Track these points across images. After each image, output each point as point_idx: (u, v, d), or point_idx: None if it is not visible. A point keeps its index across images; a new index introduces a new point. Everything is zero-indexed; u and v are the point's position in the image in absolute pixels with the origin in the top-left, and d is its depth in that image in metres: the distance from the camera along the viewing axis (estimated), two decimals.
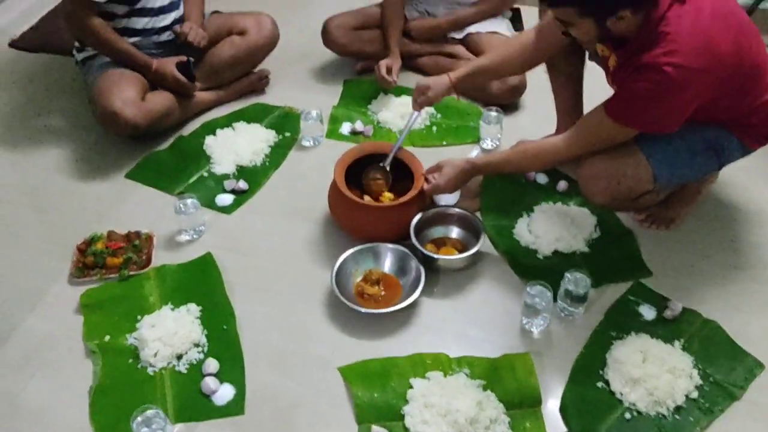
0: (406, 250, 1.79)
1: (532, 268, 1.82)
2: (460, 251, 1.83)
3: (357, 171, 1.93)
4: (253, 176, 2.15)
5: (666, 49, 1.47)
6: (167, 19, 2.25)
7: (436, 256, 1.79)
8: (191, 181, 2.13)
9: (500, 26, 2.51)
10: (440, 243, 1.88)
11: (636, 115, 1.58)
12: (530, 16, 2.62)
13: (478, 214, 1.93)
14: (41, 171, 2.19)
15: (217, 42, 2.34)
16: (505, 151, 1.84)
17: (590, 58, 1.84)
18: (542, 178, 2.11)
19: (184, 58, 2.22)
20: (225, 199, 2.07)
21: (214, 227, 1.98)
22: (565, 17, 1.53)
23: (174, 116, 2.26)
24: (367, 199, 1.92)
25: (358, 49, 2.54)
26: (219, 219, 2.01)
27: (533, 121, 2.31)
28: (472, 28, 2.51)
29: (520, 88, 2.35)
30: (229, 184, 2.10)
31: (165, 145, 2.26)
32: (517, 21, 2.63)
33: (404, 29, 2.52)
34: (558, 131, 2.14)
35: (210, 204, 2.05)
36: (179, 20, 2.29)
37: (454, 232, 1.90)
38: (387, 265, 1.81)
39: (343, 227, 1.89)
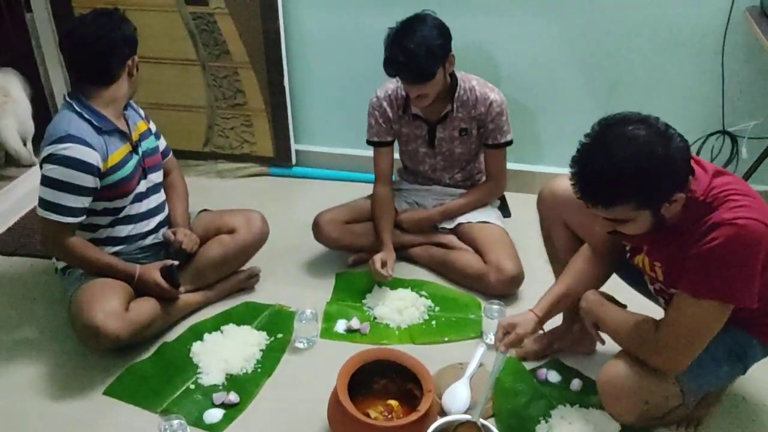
0: None
1: None
2: None
3: (358, 379, 1.79)
4: (245, 387, 1.98)
5: (733, 206, 1.43)
6: (152, 224, 2.20)
7: None
8: (176, 395, 1.95)
9: (490, 215, 2.51)
10: None
11: (720, 281, 1.45)
12: (516, 202, 2.66)
13: (491, 421, 1.77)
14: (12, 391, 1.99)
15: (205, 241, 2.28)
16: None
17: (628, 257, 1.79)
18: (554, 377, 1.99)
19: (169, 262, 2.14)
20: (214, 414, 1.88)
21: None
22: (622, 215, 1.46)
23: (158, 324, 2.12)
24: (374, 414, 1.77)
25: (350, 242, 2.50)
26: None
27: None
28: (463, 218, 2.51)
29: (518, 279, 2.30)
30: (218, 397, 1.93)
31: (148, 354, 2.10)
32: (503, 208, 2.64)
33: (395, 221, 2.51)
34: (565, 331, 2.06)
35: (197, 422, 1.86)
36: (164, 222, 2.24)
37: None
38: None
39: None
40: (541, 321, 1.77)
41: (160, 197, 2.23)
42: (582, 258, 1.81)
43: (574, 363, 2.05)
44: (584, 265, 1.79)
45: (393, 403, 1.81)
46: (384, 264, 2.29)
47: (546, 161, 3.03)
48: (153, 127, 2.26)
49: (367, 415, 1.76)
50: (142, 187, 2.14)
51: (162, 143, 2.30)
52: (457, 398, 1.86)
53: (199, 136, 3.25)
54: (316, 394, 1.90)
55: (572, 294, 1.80)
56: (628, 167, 1.38)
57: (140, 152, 2.12)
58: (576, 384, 1.94)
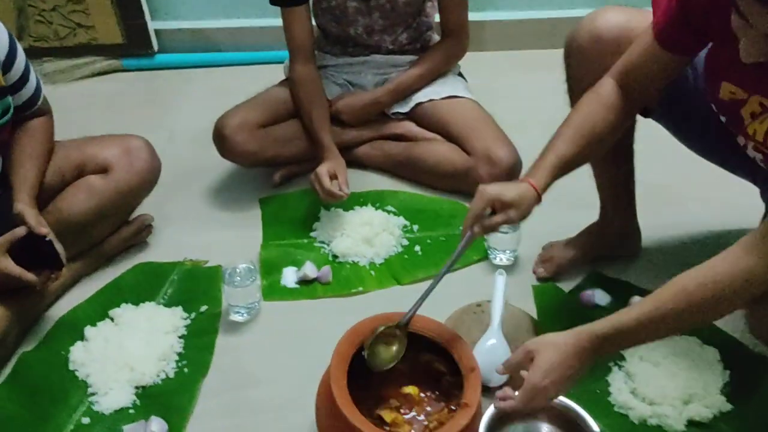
0: None
1: None
2: None
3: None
4: (170, 404, 1.28)
5: None
6: None
7: None
8: None
9: (457, 87, 1.85)
10: None
11: None
12: (474, 64, 1.99)
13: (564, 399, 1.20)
14: None
15: (61, 189, 1.47)
16: (642, 303, 1.03)
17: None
18: (602, 297, 1.45)
19: (20, 232, 1.31)
20: None
21: None
22: None
23: (11, 337, 1.35)
24: (390, 417, 1.15)
25: (274, 153, 1.76)
26: None
27: (550, 218, 1.62)
28: (422, 96, 1.83)
29: (515, 170, 1.69)
30: (132, 430, 1.22)
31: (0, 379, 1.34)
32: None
33: (330, 113, 1.79)
34: (603, 227, 1.51)
35: None
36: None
37: (544, 427, 1.17)
38: None
39: None
40: (540, 201, 1.18)
41: None
42: (596, 104, 1.19)
43: (619, 272, 1.52)
44: (600, 114, 1.19)
45: (411, 391, 1.20)
46: (334, 177, 1.60)
47: (499, 5, 2.35)
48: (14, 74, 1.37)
49: (381, 421, 1.15)
50: None
51: (26, 93, 1.41)
52: (495, 360, 1.26)
53: (6, 27, 2.27)
54: (285, 392, 1.29)
55: (580, 156, 1.20)
56: None
57: None
58: (637, 302, 1.41)
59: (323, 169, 1.59)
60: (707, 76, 1.16)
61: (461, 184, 1.72)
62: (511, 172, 1.68)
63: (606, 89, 1.19)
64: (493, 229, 1.15)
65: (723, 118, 1.17)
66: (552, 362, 1.01)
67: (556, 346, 1.02)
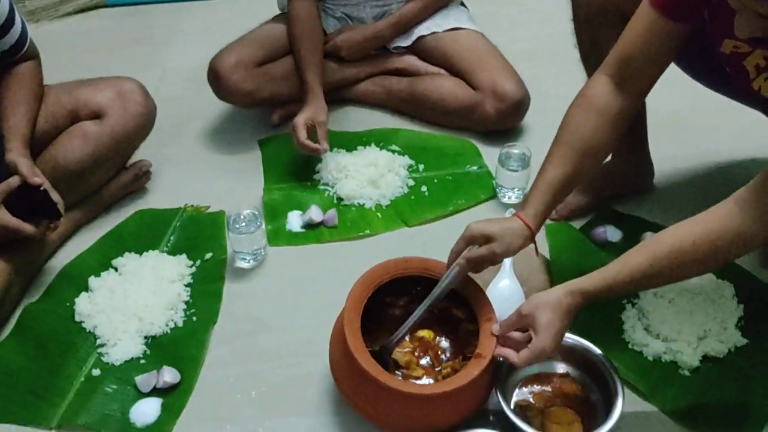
0: None
1: (684, 399, 1.14)
2: (575, 396, 1.11)
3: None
4: (181, 353, 1.27)
5: None
6: None
7: None
8: (73, 392, 1.21)
9: (460, 18, 1.77)
10: (541, 380, 1.15)
11: None
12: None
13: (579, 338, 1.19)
14: None
15: (55, 136, 1.41)
16: (634, 259, 1.01)
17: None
18: (614, 234, 1.43)
19: (14, 181, 1.26)
20: (146, 410, 1.17)
21: None
22: None
23: (13, 290, 1.32)
24: (404, 360, 1.14)
25: (272, 92, 1.69)
26: None
27: None
28: (423, 28, 1.75)
29: (523, 105, 1.64)
30: (144, 380, 1.21)
31: (5, 333, 1.31)
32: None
33: (328, 49, 1.72)
34: (617, 167, 1.47)
35: (123, 429, 1.15)
36: None
37: (559, 367, 1.17)
38: None
39: (364, 415, 1.10)
40: (534, 234, 1.12)
41: None
42: (589, 108, 1.12)
43: (631, 208, 1.49)
44: (594, 122, 1.11)
45: (426, 334, 1.18)
46: (312, 127, 1.54)
47: None
48: None
49: (394, 363, 1.14)
50: None
51: (11, 37, 1.33)
52: (508, 301, 1.25)
53: None
54: (296, 337, 1.28)
55: (578, 175, 1.13)
56: None
57: None
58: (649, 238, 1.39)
59: (300, 120, 1.52)
60: (709, 31, 1.10)
61: (467, 120, 1.67)
62: (519, 106, 1.63)
63: (597, 90, 1.11)
64: (477, 263, 1.09)
65: (727, 69, 1.12)
66: (553, 323, 1.01)
67: (552, 306, 1.01)
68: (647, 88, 1.15)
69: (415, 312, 1.11)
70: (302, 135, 1.51)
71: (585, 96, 1.13)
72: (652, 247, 1.00)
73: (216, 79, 1.63)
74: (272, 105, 1.74)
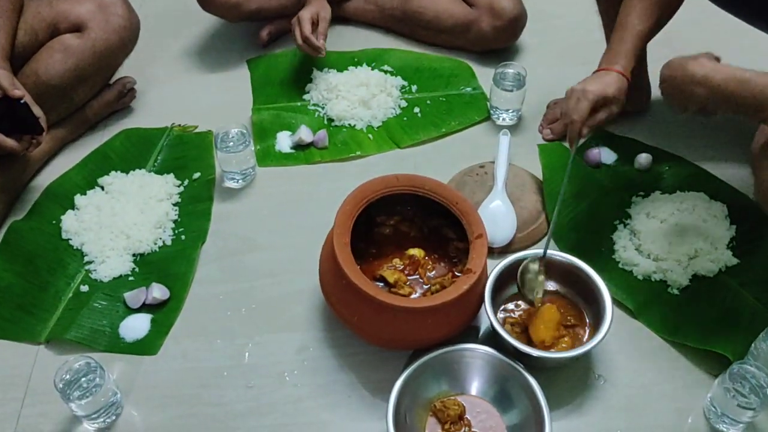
0: (496, 354, 1.05)
1: (672, 317, 1.15)
2: (566, 311, 1.12)
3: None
4: (169, 270, 1.26)
5: None
6: None
7: (544, 354, 1.05)
8: (61, 308, 1.21)
9: None
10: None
11: None
12: None
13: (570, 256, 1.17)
14: None
15: (36, 50, 1.36)
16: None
17: None
18: (608, 156, 1.41)
19: None
20: (135, 326, 1.18)
21: (130, 380, 1.12)
22: None
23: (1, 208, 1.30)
24: (393, 277, 1.13)
25: (259, 6, 1.63)
26: (136, 366, 1.15)
27: (554, 75, 1.54)
28: None
29: (521, 21, 1.58)
30: (134, 296, 1.21)
31: None
32: None
33: None
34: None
35: (112, 344, 1.16)
36: None
37: (549, 284, 1.16)
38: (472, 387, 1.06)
39: (353, 328, 1.10)
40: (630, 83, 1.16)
41: None
42: None
43: (626, 130, 1.46)
44: None
45: (416, 253, 1.18)
46: (315, 24, 1.49)
47: None
48: None
49: (383, 281, 1.14)
50: None
51: None
52: (499, 221, 1.25)
53: None
54: (285, 256, 1.28)
55: (660, 23, 1.20)
56: None
57: None
58: (644, 160, 1.37)
59: (306, 14, 1.47)
60: None
61: (462, 39, 1.62)
62: (516, 23, 1.58)
63: None
64: (596, 126, 1.14)
65: None
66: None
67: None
68: None
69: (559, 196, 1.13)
70: (307, 28, 1.47)
71: None
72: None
73: None
74: (260, 20, 1.68)
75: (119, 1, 1.39)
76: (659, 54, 1.43)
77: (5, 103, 1.24)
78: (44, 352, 1.16)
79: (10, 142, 1.25)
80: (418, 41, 1.69)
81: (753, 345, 1.04)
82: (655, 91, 1.46)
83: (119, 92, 1.52)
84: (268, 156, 1.46)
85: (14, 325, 1.19)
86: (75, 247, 1.30)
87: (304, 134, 1.46)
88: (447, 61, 1.64)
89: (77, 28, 1.36)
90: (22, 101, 1.24)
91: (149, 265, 1.28)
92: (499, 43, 1.60)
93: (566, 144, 1.44)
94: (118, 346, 1.16)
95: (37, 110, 1.26)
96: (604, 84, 1.11)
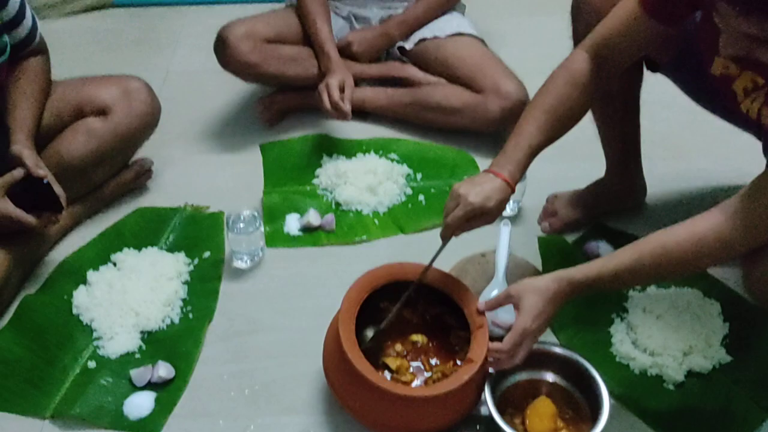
0: None
1: (668, 412, 1.17)
2: (564, 404, 1.13)
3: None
4: (176, 349, 1.28)
5: None
6: None
7: None
8: (68, 383, 1.23)
9: (462, 23, 1.81)
10: (529, 391, 1.16)
11: None
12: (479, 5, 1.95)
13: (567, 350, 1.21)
14: None
15: (61, 130, 1.43)
16: (621, 255, 1.06)
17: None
18: (606, 249, 1.46)
19: (18, 173, 1.28)
20: (140, 403, 1.19)
21: None
22: None
23: (13, 281, 1.34)
24: (395, 364, 1.16)
25: (277, 70, 1.70)
26: None
27: (554, 168, 1.56)
28: (426, 32, 1.79)
29: (525, 103, 1.64)
30: (139, 374, 1.23)
31: (3, 322, 1.33)
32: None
33: (338, 45, 1.73)
34: (609, 185, 1.50)
35: (116, 421, 1.17)
36: None
37: (548, 375, 1.19)
38: None
39: (354, 415, 1.12)
40: (513, 192, 1.16)
41: None
42: (566, 80, 1.15)
43: (623, 224, 1.52)
44: (569, 93, 1.14)
45: (420, 339, 1.21)
46: (342, 90, 1.57)
47: None
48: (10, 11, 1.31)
49: (386, 367, 1.16)
50: None
51: (22, 30, 1.37)
52: (500, 311, 1.28)
53: None
54: (290, 338, 1.31)
55: (554, 137, 1.17)
56: None
57: None
58: None
59: (334, 81, 1.57)
60: (700, 49, 1.14)
61: (470, 119, 1.68)
62: (521, 105, 1.61)
63: (578, 65, 1.14)
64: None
65: (718, 90, 1.15)
66: (538, 306, 1.04)
67: (539, 291, 1.05)
68: (618, 72, 1.18)
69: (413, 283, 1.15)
70: (336, 94, 1.55)
71: (567, 68, 1.15)
72: (640, 245, 1.04)
73: (223, 45, 1.64)
74: (275, 85, 1.77)
75: (143, 87, 1.47)
76: (653, 153, 1.53)
77: (28, 181, 1.30)
78: (49, 427, 1.17)
79: (30, 219, 1.30)
80: (427, 128, 1.76)
81: None
82: (651, 189, 1.55)
83: (137, 172, 1.59)
84: (276, 237, 1.51)
85: (20, 399, 1.21)
86: (84, 323, 1.33)
87: (313, 217, 1.52)
88: (450, 152, 1.71)
89: (102, 112, 1.43)
90: (45, 181, 1.30)
91: (156, 343, 1.30)
92: (506, 123, 1.64)
93: (566, 237, 1.49)
94: (122, 424, 1.18)
95: (58, 189, 1.32)
96: (485, 196, 1.10)
